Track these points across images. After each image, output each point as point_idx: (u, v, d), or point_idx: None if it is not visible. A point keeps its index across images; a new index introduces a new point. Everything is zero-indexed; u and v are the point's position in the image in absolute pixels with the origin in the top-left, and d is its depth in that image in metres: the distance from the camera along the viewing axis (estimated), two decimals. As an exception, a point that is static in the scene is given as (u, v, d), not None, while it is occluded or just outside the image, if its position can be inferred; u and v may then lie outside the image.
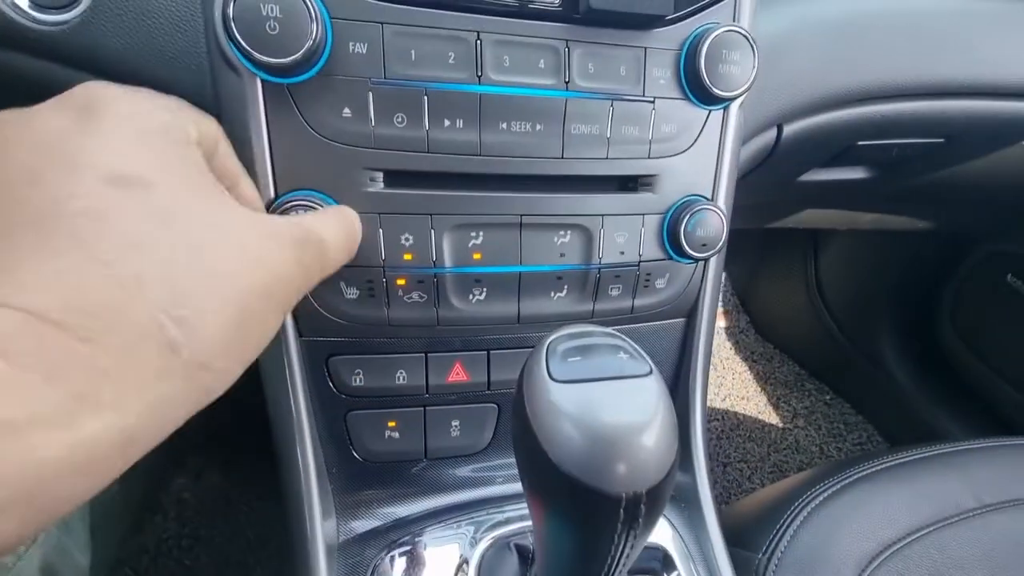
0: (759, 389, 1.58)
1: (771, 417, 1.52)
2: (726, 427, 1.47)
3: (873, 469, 0.69)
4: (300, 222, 0.32)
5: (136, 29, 0.37)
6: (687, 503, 0.52)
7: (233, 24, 0.33)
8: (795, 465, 1.40)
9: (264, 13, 0.33)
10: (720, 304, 1.75)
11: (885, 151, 0.73)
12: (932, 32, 0.63)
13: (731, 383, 1.59)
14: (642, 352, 0.27)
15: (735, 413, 1.51)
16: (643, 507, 0.23)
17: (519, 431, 0.26)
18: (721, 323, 1.71)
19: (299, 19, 0.34)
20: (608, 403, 0.24)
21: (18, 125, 0.26)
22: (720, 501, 1.32)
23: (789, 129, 0.58)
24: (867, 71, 0.59)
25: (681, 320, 0.53)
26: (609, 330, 0.29)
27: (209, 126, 0.34)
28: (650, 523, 0.24)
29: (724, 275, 1.77)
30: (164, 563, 0.99)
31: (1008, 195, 0.95)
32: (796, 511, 0.62)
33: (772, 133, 0.57)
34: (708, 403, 1.49)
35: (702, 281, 0.51)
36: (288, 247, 0.30)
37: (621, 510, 0.23)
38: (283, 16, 0.33)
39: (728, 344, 1.68)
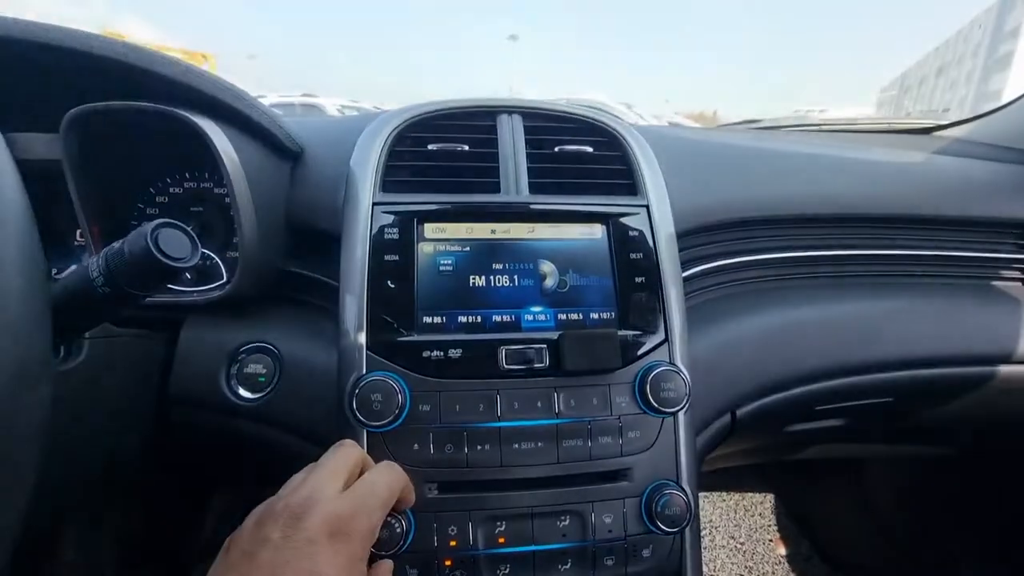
0: (838, 631, 1.44)
1: (858, 669, 1.35)
2: None
3: None
4: None
5: (303, 403, 0.64)
6: None
7: (356, 407, 0.58)
8: None
9: (372, 398, 0.58)
10: (776, 530, 1.71)
11: (846, 409, 0.87)
12: (860, 327, 0.81)
13: (804, 624, 1.46)
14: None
15: (814, 664, 1.37)
16: None
17: None
18: (781, 551, 1.64)
19: (392, 399, 0.58)
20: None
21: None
22: None
23: (742, 411, 0.76)
24: (799, 363, 0.78)
25: (672, 581, 0.64)
26: None
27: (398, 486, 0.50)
28: None
29: (775, 497, 1.76)
30: None
31: (998, 429, 1.02)
32: None
33: (727, 417, 0.75)
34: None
35: (682, 547, 0.64)
36: None
37: None
38: (383, 398, 0.58)
39: (793, 575, 1.59)
